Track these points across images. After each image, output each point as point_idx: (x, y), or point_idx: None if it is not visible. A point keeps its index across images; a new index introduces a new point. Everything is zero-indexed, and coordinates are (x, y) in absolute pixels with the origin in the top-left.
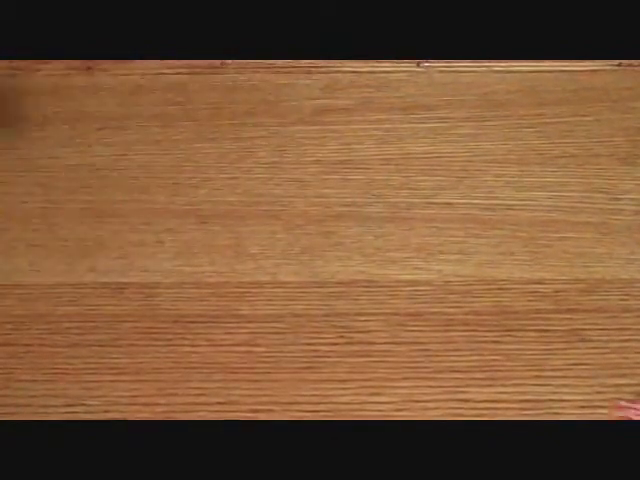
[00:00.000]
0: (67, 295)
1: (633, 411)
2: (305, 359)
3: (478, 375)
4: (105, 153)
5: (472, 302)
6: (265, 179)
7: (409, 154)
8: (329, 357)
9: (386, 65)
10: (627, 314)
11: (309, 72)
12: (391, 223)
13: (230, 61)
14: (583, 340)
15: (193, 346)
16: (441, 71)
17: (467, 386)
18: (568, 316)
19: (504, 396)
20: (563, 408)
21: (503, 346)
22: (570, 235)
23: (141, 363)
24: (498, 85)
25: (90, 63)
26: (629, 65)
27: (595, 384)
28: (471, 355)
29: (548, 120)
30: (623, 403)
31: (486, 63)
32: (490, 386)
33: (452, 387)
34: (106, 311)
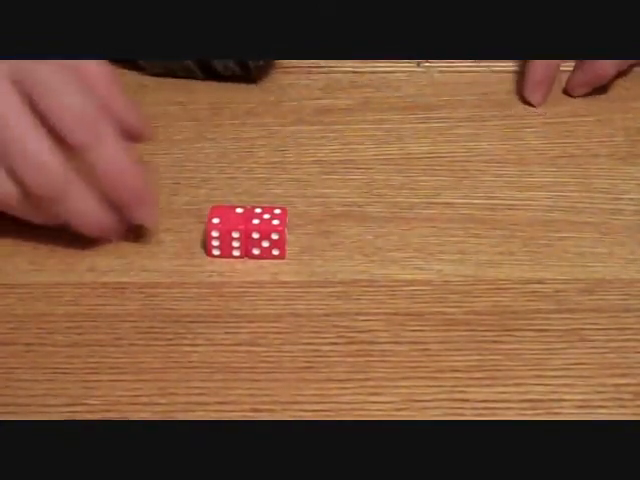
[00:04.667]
0: (67, 295)
1: None
2: (305, 359)
3: (478, 375)
4: None
5: (472, 302)
6: (265, 179)
7: (409, 154)
8: (329, 357)
9: (386, 65)
10: (627, 314)
11: (309, 72)
12: (391, 223)
13: None
14: (583, 340)
15: (193, 346)
16: (441, 71)
17: (467, 386)
18: (568, 316)
19: (504, 396)
20: (563, 408)
21: (503, 346)
22: (570, 235)
23: (141, 363)
24: (498, 85)
25: None
26: (629, 65)
27: (595, 384)
28: (471, 355)
29: (548, 120)
30: None
31: (486, 63)
32: (490, 386)
33: (452, 387)
34: (106, 311)
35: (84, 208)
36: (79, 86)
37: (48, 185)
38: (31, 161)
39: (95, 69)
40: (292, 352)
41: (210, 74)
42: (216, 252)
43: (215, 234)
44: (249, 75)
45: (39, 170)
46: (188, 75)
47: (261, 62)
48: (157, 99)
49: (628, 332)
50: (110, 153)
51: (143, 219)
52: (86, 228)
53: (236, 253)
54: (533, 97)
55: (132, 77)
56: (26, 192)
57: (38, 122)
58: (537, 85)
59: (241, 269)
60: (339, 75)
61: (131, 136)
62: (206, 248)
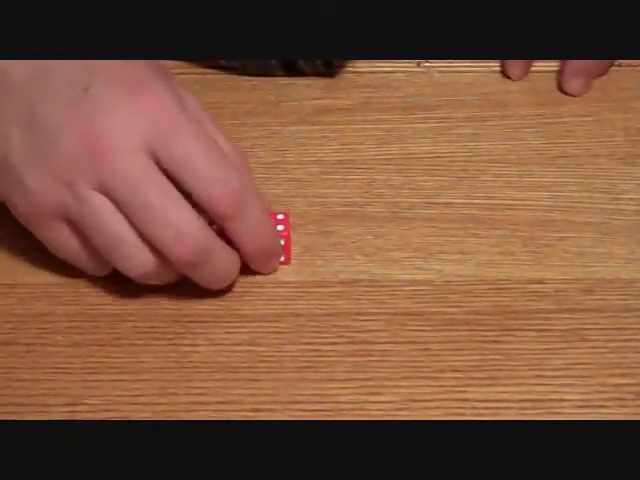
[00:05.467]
0: (67, 295)
1: None
2: (306, 358)
3: (478, 375)
4: None
5: (472, 302)
6: (265, 179)
7: (409, 154)
8: (330, 356)
9: (386, 65)
10: (627, 314)
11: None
12: (391, 223)
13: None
14: (583, 340)
15: (193, 346)
16: (441, 71)
17: (467, 386)
18: (568, 316)
19: (504, 396)
20: (563, 408)
21: (503, 346)
22: (570, 235)
23: (141, 363)
24: (498, 85)
25: None
26: (629, 65)
27: (595, 384)
28: (471, 355)
29: (548, 120)
30: None
31: (486, 63)
32: (490, 386)
33: (452, 387)
34: (107, 310)
35: (223, 270)
36: (219, 153)
37: (190, 254)
38: (173, 232)
39: (225, 142)
40: (292, 352)
41: (292, 72)
42: None
43: None
44: (330, 72)
45: (181, 240)
46: (266, 72)
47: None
48: None
49: (628, 332)
50: (256, 222)
51: (266, 270)
52: (217, 285)
53: None
54: (569, 86)
55: None
56: (164, 260)
57: (175, 188)
58: (574, 74)
59: (241, 269)
60: (339, 75)
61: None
62: None
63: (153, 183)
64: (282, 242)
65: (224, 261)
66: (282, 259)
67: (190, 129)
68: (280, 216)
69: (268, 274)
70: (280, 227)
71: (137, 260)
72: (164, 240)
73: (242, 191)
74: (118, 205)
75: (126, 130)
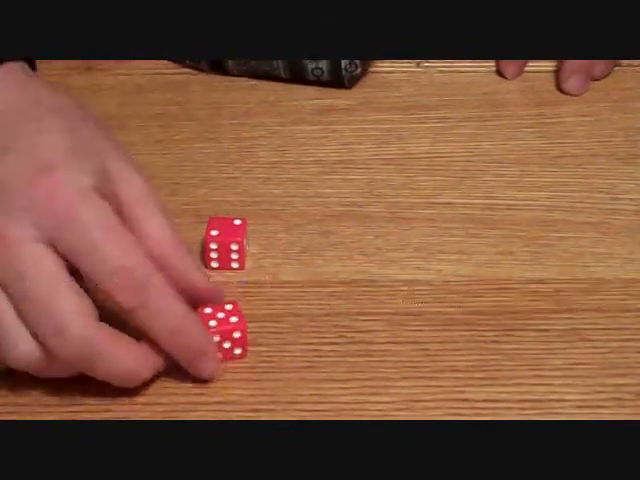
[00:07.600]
0: None
1: None
2: (306, 358)
3: (478, 375)
4: None
5: (472, 302)
6: (265, 179)
7: (409, 154)
8: (329, 357)
9: (386, 65)
10: (627, 314)
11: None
12: (391, 223)
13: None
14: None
15: None
16: (441, 71)
17: (467, 386)
18: (568, 316)
19: (504, 396)
20: (563, 408)
21: (503, 346)
22: (570, 235)
23: None
24: (498, 85)
25: (90, 63)
26: (629, 65)
27: (595, 384)
28: (471, 355)
29: (548, 120)
30: None
31: (486, 63)
32: (490, 386)
33: (452, 387)
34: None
35: (120, 369)
36: (118, 243)
37: (69, 349)
38: (53, 323)
39: (158, 233)
40: (292, 352)
41: (297, 78)
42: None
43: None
44: (339, 82)
45: (61, 333)
46: (272, 77)
47: (357, 70)
48: (156, 99)
49: (628, 332)
50: (162, 309)
51: (202, 372)
52: (121, 383)
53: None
54: (567, 84)
55: (129, 78)
56: (50, 354)
57: (67, 279)
58: (572, 72)
59: (241, 269)
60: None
61: (199, 299)
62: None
63: (41, 272)
64: (238, 335)
65: (120, 360)
66: (239, 352)
67: (88, 218)
68: (228, 306)
69: (209, 379)
70: (234, 319)
71: (19, 349)
72: (44, 331)
73: (144, 278)
74: (6, 291)
75: (21, 219)
